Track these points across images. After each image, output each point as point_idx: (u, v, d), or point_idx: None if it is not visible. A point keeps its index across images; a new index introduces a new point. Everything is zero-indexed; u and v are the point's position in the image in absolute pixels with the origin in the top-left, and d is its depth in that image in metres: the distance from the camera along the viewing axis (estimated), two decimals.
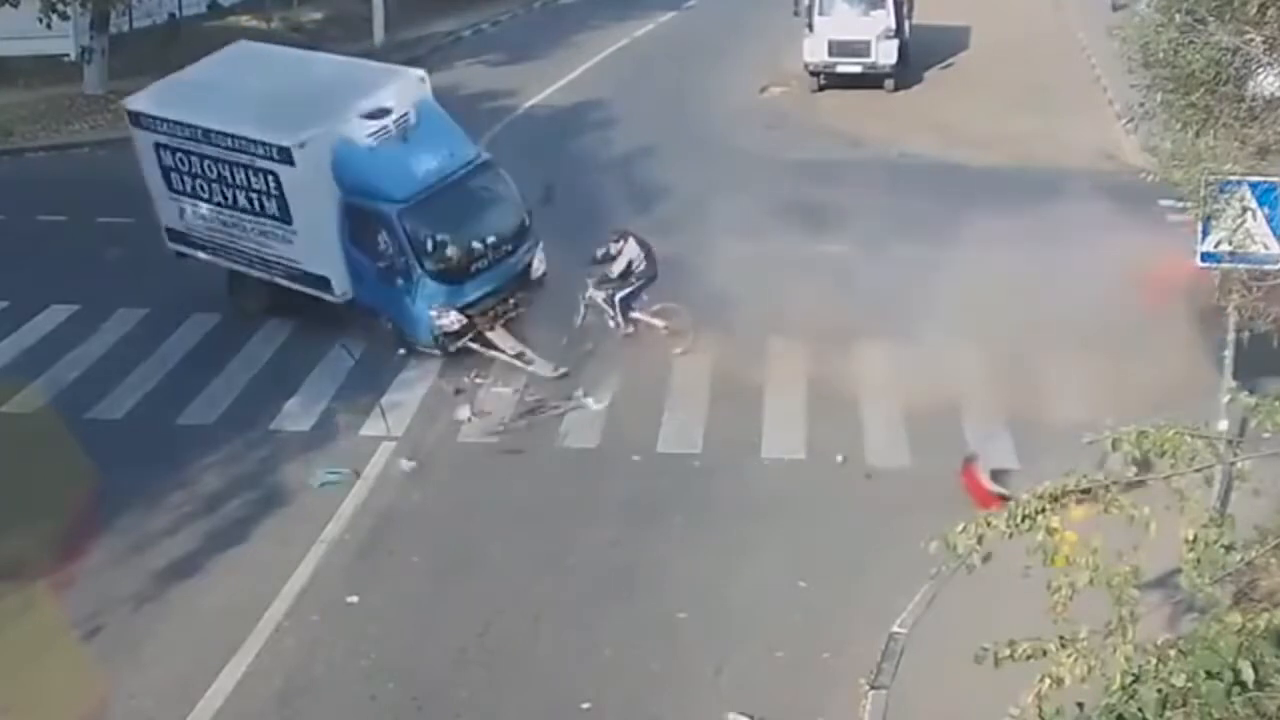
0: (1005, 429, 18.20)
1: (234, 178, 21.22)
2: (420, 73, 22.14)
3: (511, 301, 20.81)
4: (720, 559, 15.70)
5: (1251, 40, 14.18)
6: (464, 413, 18.85)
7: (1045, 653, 8.45)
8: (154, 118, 22.04)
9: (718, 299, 21.27)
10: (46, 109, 33.08)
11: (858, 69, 35.26)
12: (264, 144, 20.51)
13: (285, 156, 20.26)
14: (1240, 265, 14.49)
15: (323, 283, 20.96)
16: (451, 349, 20.18)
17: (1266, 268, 14.54)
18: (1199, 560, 8.58)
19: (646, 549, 15.91)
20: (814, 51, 35.43)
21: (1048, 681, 8.34)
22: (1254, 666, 7.75)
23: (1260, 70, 14.61)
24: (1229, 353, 14.63)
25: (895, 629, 14.37)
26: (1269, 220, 14.31)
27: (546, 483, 17.39)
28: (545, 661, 14.09)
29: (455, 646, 14.29)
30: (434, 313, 20.10)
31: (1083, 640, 8.38)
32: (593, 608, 14.92)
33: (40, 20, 31.45)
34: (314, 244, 20.78)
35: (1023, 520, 8.62)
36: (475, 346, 20.38)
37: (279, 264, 21.34)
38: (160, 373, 20.10)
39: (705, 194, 26.13)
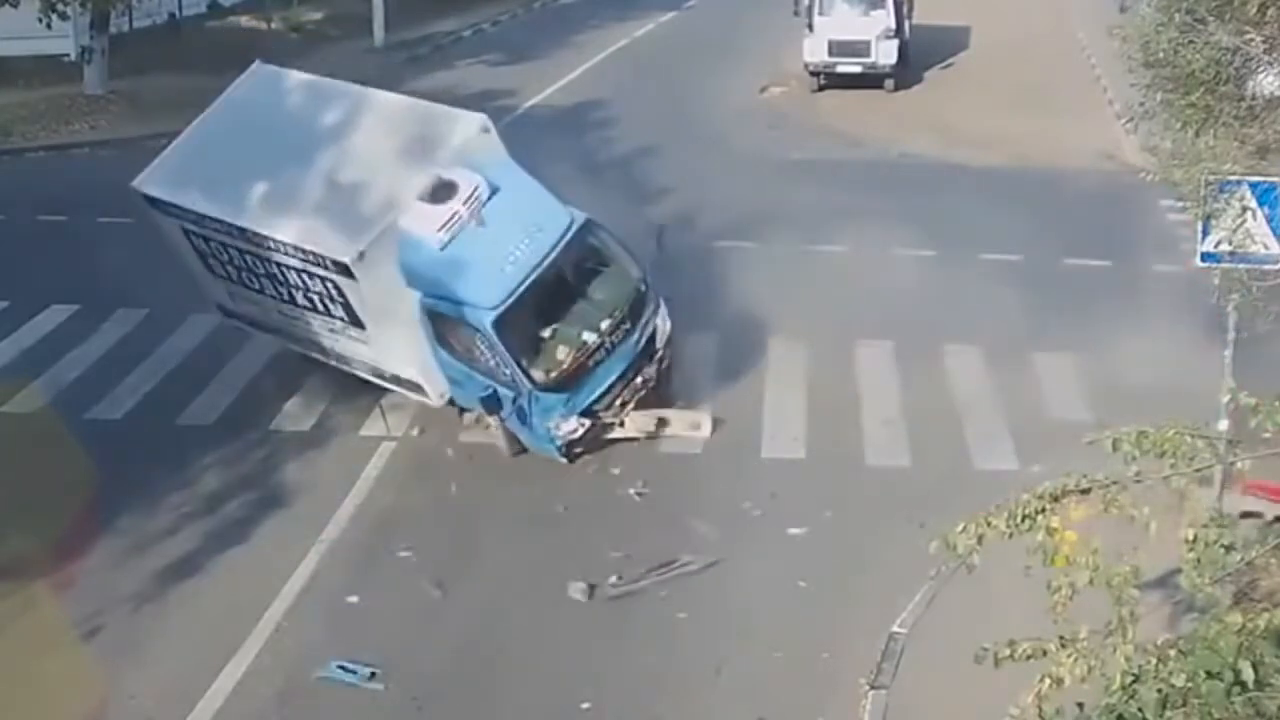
0: (1006, 429, 18.20)
1: (286, 278, 18.13)
2: (481, 120, 17.95)
3: (639, 380, 17.70)
4: (720, 559, 15.68)
5: (1251, 40, 14.18)
6: (578, 590, 14.97)
7: (1045, 653, 8.45)
8: (173, 206, 18.92)
9: (717, 299, 21.28)
10: (46, 109, 33.10)
11: (858, 69, 35.34)
12: (315, 254, 17.31)
13: (342, 270, 17.02)
14: (1240, 265, 14.48)
15: (414, 386, 18.10)
16: (579, 450, 17.49)
17: (1266, 268, 14.53)
18: (1199, 560, 8.59)
19: (646, 549, 15.88)
20: (814, 51, 35.51)
21: (1048, 681, 8.34)
22: (1254, 666, 7.76)
23: (1260, 70, 14.61)
24: (1229, 353, 14.62)
25: (895, 629, 14.37)
26: (1269, 220, 14.30)
27: (547, 483, 17.37)
28: (545, 662, 14.08)
29: (455, 646, 14.29)
30: (552, 428, 17.15)
31: (1083, 640, 8.38)
32: (593, 607, 14.90)
33: (40, 20, 31.46)
34: (395, 348, 17.77)
35: (1023, 520, 8.62)
36: (614, 435, 17.81)
37: (358, 362, 18.61)
38: (160, 373, 20.09)
39: (705, 194, 26.18)
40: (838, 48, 35.26)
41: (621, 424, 17.66)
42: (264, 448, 18.13)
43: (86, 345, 20.88)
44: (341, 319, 17.90)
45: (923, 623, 14.41)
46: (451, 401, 18.02)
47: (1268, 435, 9.16)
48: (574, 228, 17.32)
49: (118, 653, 14.00)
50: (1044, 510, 8.60)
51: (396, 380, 18.27)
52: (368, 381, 19.40)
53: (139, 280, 22.61)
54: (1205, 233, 14.50)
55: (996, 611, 12.45)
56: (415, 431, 18.42)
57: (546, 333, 17.30)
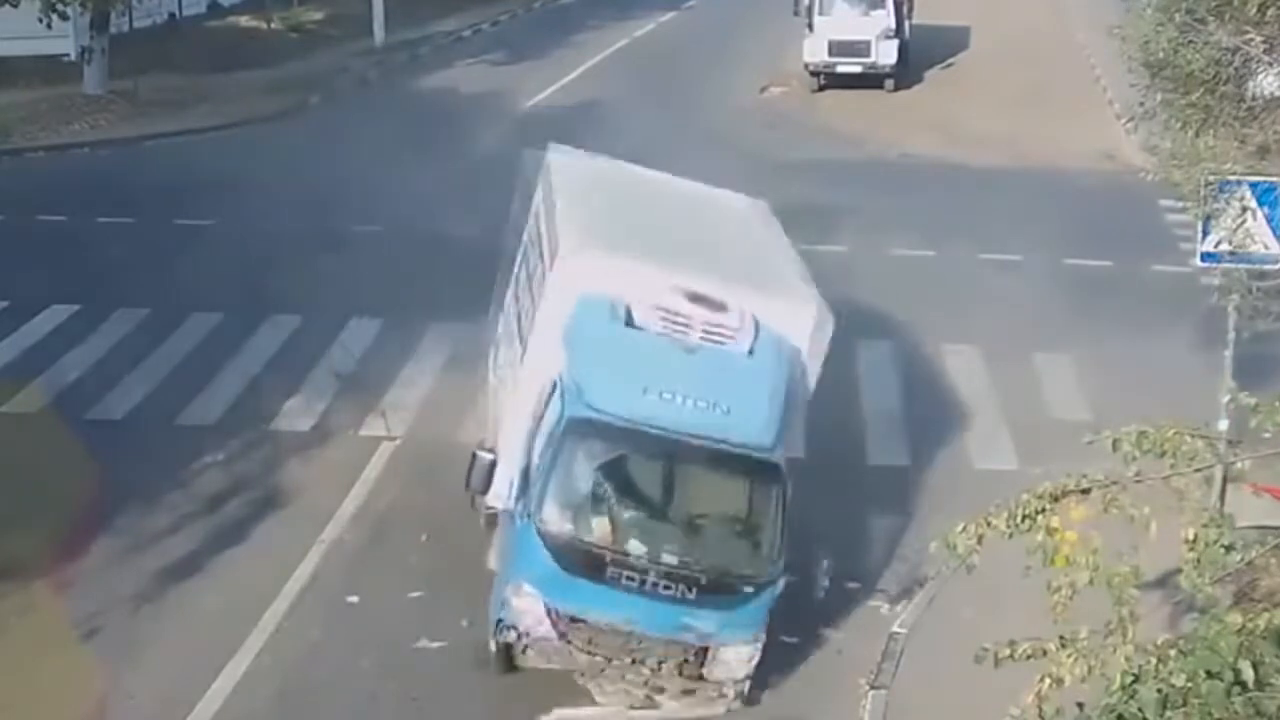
0: (1006, 429, 18.21)
1: (519, 296, 15.73)
2: (815, 311, 13.90)
3: (647, 668, 12.99)
4: None
5: (1251, 40, 14.19)
6: None
7: (1045, 653, 8.47)
8: (540, 173, 16.56)
9: None
10: (46, 109, 33.08)
11: (858, 69, 35.40)
12: (550, 239, 14.46)
13: (549, 261, 14.14)
14: (1240, 265, 14.51)
15: (488, 469, 13.75)
16: (521, 660, 13.33)
17: (1266, 268, 14.56)
18: (1199, 560, 8.60)
19: None
20: (814, 51, 35.58)
21: (1048, 681, 8.35)
22: (1254, 666, 7.76)
23: (1260, 70, 14.63)
24: (1229, 353, 14.63)
25: (895, 629, 14.38)
26: (1269, 220, 14.32)
27: None
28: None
29: (455, 646, 14.27)
30: (511, 588, 13.01)
31: (1083, 640, 8.39)
32: None
33: (40, 20, 31.47)
34: (518, 416, 13.88)
35: (1023, 520, 8.63)
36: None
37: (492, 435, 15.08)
38: (160, 373, 20.05)
39: None
40: (838, 48, 35.33)
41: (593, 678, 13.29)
42: (264, 448, 18.10)
43: (86, 345, 20.84)
44: (519, 349, 14.78)
45: (923, 623, 14.42)
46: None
47: (1268, 435, 9.17)
48: (753, 455, 12.81)
49: (117, 653, 13.99)
50: (1044, 510, 8.62)
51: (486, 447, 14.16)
52: (369, 382, 19.41)
53: (139, 280, 22.64)
54: (1205, 233, 14.52)
55: (996, 611, 12.47)
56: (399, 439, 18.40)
57: (610, 501, 12.87)
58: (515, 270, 16.59)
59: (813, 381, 13.96)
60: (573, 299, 13.52)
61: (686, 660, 12.91)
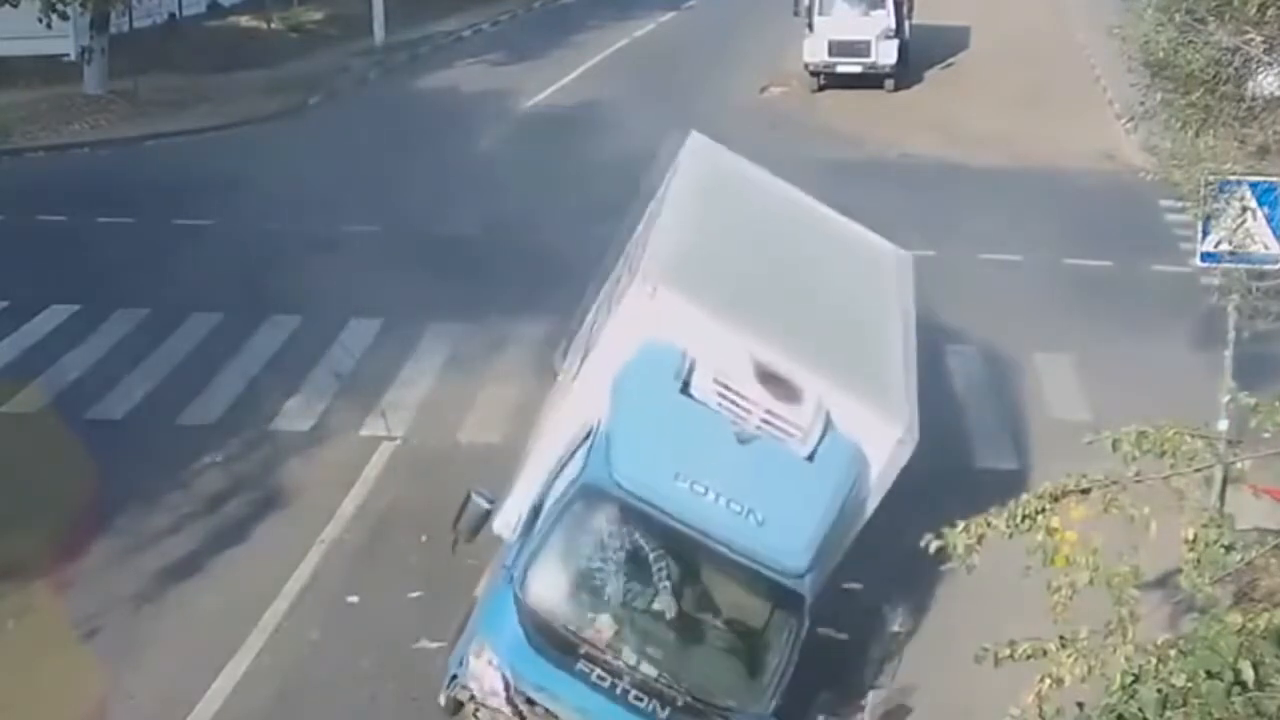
0: (1006, 429, 18.21)
1: (608, 288, 14.81)
2: (901, 429, 12.77)
3: None
4: None
5: (1251, 40, 14.21)
6: None
7: (1045, 653, 8.48)
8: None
9: None
10: (46, 109, 33.08)
11: (858, 69, 35.45)
12: (640, 255, 13.34)
13: (628, 281, 12.97)
14: (1240, 265, 14.53)
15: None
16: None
17: (1266, 268, 14.57)
18: (1199, 560, 8.61)
19: None
20: (814, 51, 35.62)
21: (1048, 681, 8.36)
22: (1254, 666, 7.76)
23: (1260, 70, 14.65)
24: (1229, 353, 14.64)
25: (895, 629, 14.36)
26: (1269, 220, 14.34)
27: None
28: None
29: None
30: (474, 648, 11.73)
31: (1083, 640, 8.40)
32: None
33: (40, 20, 31.49)
34: (549, 442, 12.86)
35: (1023, 520, 8.64)
36: None
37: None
38: (160, 373, 20.05)
39: None
40: (838, 48, 35.38)
41: None
42: (264, 448, 18.10)
43: (86, 345, 20.84)
44: (579, 363, 13.76)
45: (923, 623, 14.41)
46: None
47: (1268, 435, 9.17)
48: (776, 578, 11.42)
49: (117, 653, 13.99)
50: (1044, 510, 8.63)
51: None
52: (369, 382, 19.43)
53: (139, 280, 22.64)
54: (1205, 233, 14.54)
55: (996, 611, 12.46)
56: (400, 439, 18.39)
57: (603, 587, 11.53)
58: (616, 266, 15.44)
59: (873, 506, 12.56)
60: (636, 340, 12.17)
61: None
